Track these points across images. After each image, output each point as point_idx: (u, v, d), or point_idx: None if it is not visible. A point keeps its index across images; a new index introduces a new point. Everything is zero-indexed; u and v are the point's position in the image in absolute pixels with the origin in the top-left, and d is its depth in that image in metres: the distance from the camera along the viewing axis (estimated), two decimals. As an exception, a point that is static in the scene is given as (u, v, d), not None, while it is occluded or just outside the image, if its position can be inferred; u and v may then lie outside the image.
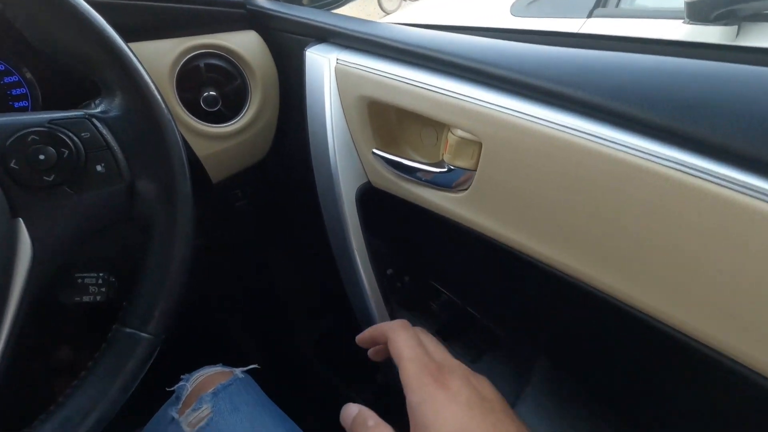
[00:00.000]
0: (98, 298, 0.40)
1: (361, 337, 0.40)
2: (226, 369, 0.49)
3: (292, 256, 0.81)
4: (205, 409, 0.43)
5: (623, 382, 0.46)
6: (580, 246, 0.35)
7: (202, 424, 0.43)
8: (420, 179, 0.46)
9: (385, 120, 0.49)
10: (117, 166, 0.36)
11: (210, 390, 0.45)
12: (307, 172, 0.54)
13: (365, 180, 0.51)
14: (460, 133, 0.41)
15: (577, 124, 0.33)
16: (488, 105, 0.38)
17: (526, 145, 0.36)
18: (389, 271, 0.56)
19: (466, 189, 0.42)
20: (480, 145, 0.40)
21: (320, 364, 0.85)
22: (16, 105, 0.54)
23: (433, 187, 0.45)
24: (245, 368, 0.49)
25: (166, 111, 0.37)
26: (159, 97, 0.37)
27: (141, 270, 0.37)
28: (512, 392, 0.50)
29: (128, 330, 0.36)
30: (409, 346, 0.35)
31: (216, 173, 0.61)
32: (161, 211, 0.37)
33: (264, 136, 0.62)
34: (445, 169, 0.43)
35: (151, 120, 0.37)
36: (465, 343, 0.53)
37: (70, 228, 0.34)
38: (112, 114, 0.36)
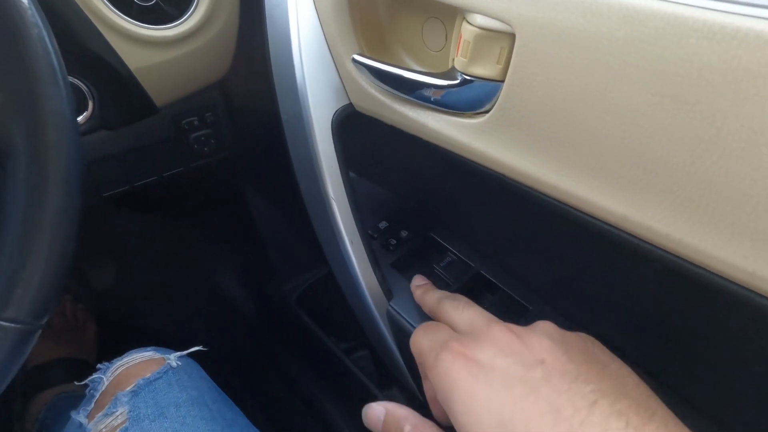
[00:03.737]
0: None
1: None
2: (158, 354, 0.37)
3: (268, 198, 0.69)
4: (120, 415, 0.32)
5: (682, 359, 0.34)
6: (650, 193, 0.22)
7: None
8: (420, 98, 0.32)
9: (372, 12, 0.35)
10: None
11: (129, 387, 0.34)
12: (269, 91, 0.40)
13: (345, 102, 0.37)
14: (480, 20, 0.26)
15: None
16: (529, -32, 0.23)
17: (587, 31, 0.22)
18: (382, 225, 0.44)
19: (487, 111, 0.28)
20: (512, 38, 0.26)
21: (307, 320, 0.75)
22: None
23: (438, 110, 0.31)
24: (183, 352, 0.37)
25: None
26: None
27: (-6, 225, 0.25)
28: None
29: (-24, 315, 0.24)
30: (422, 337, 0.28)
31: (160, 94, 0.47)
32: (17, 135, 0.25)
33: (221, 45, 0.48)
34: (458, 81, 0.29)
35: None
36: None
37: None
38: None
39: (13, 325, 0.25)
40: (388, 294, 0.40)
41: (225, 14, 0.46)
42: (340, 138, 0.37)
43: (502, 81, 0.27)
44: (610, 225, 0.25)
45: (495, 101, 0.28)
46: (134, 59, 0.43)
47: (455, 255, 0.43)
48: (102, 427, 0.32)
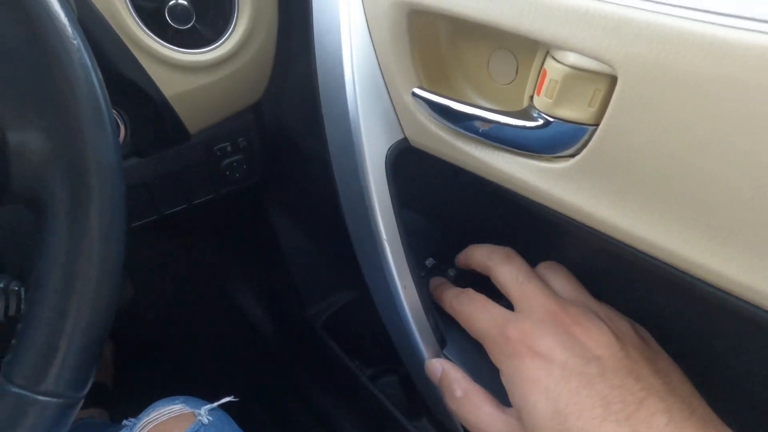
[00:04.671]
0: (-5, 316, 0.26)
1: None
2: (188, 408, 0.35)
3: (295, 222, 0.66)
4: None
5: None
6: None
7: None
8: (488, 137, 0.29)
9: (433, 42, 0.32)
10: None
11: None
12: (315, 122, 0.37)
13: (400, 136, 0.34)
14: (572, 59, 0.24)
15: None
16: (638, 2, 0.21)
17: (711, 74, 0.19)
18: (429, 262, 0.41)
19: (572, 156, 0.26)
20: (609, 79, 0.23)
21: (333, 345, 0.72)
22: None
23: (510, 151, 0.28)
24: (214, 404, 0.35)
25: (58, 9, 0.21)
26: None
27: (34, 287, 0.22)
28: None
29: (14, 389, 0.22)
30: (477, 313, 0.30)
31: (193, 120, 0.44)
32: (60, 187, 0.22)
33: (258, 69, 0.45)
34: (539, 123, 0.26)
35: (26, 25, 0.20)
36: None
37: None
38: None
39: (52, 399, 0.22)
40: (442, 342, 0.37)
41: (263, 35, 0.44)
42: (394, 174, 0.34)
43: (594, 125, 0.24)
44: (723, 291, 0.22)
45: (583, 145, 0.25)
46: (169, 85, 0.41)
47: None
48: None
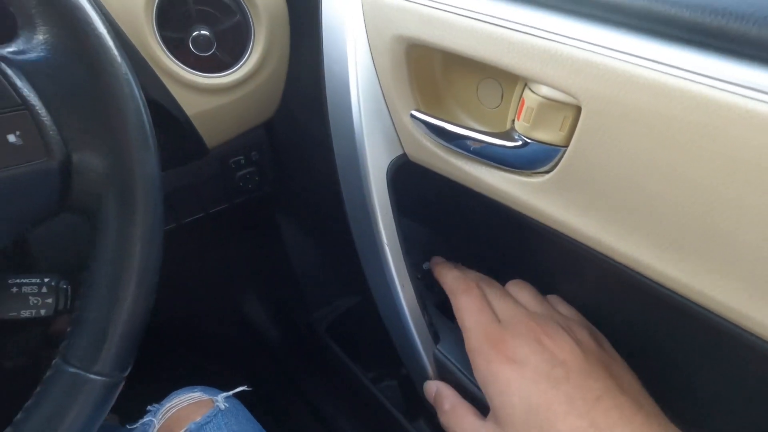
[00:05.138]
0: (42, 312, 0.30)
1: None
2: (206, 396, 0.39)
3: (302, 230, 0.70)
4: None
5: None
6: (704, 256, 0.23)
7: None
8: (477, 154, 0.33)
9: (428, 70, 0.36)
10: (41, 134, 0.24)
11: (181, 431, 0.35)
12: (323, 138, 0.41)
13: (400, 152, 0.39)
14: (545, 91, 0.28)
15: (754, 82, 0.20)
16: (598, 49, 0.25)
17: (656, 111, 0.23)
18: (425, 265, 0.45)
19: (548, 172, 0.30)
20: (576, 109, 0.27)
21: (336, 348, 0.76)
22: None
23: (495, 167, 0.33)
24: (229, 393, 0.39)
25: (113, 50, 0.25)
26: (102, 28, 0.25)
27: (87, 284, 0.26)
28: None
29: (71, 369, 0.26)
30: (470, 312, 0.34)
31: (212, 136, 0.49)
32: (112, 200, 0.26)
33: (271, 90, 0.50)
34: (519, 143, 0.30)
35: (90, 64, 0.25)
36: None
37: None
38: (30, 56, 0.24)
39: (101, 378, 0.26)
40: (435, 337, 0.40)
41: (275, 61, 0.48)
42: (394, 186, 0.38)
43: (564, 146, 0.28)
44: (668, 289, 0.26)
45: (556, 163, 0.29)
46: (191, 105, 0.45)
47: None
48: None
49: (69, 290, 0.31)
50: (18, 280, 0.29)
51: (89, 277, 0.27)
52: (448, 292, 0.37)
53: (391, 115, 0.38)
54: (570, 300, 0.36)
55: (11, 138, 0.23)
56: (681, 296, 0.25)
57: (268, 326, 0.89)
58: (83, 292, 0.27)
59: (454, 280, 0.37)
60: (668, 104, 0.23)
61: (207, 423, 0.36)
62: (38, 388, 0.26)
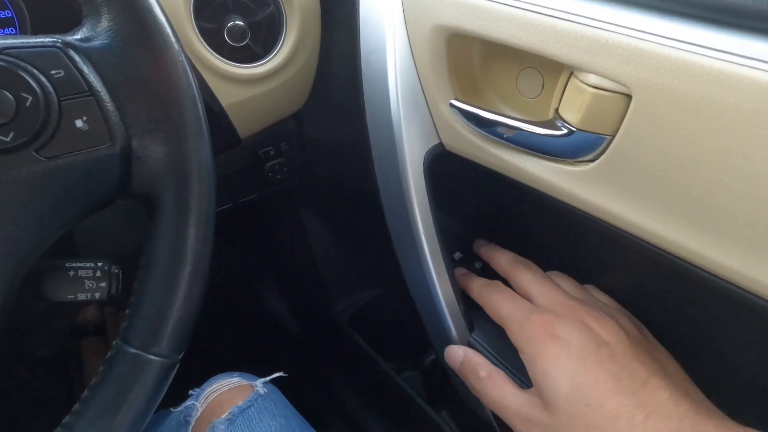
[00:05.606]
0: (97, 295, 0.30)
1: None
2: (245, 381, 0.39)
3: (331, 224, 0.71)
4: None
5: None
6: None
7: None
8: (517, 143, 0.33)
9: (467, 60, 0.37)
10: (105, 119, 0.25)
11: (224, 415, 0.36)
12: (358, 128, 0.42)
13: (436, 141, 0.39)
14: (593, 80, 0.28)
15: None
16: (649, 37, 0.25)
17: (711, 98, 0.23)
18: (457, 255, 0.45)
19: (592, 161, 0.30)
20: (625, 99, 0.27)
21: (358, 338, 0.77)
22: (0, 32, 0.43)
23: (536, 156, 0.33)
24: (268, 378, 0.39)
25: (172, 38, 0.26)
26: (162, 17, 0.26)
27: (145, 267, 0.27)
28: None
29: (132, 350, 0.26)
30: (501, 303, 0.34)
31: (245, 127, 0.49)
32: (170, 186, 0.27)
33: (302, 81, 0.50)
34: (564, 132, 0.30)
35: (151, 52, 0.25)
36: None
37: (41, 209, 0.24)
38: (96, 43, 0.25)
39: (159, 359, 0.27)
40: (470, 326, 0.41)
41: (307, 53, 0.49)
42: (430, 176, 0.39)
43: (611, 135, 0.29)
44: (717, 276, 0.26)
45: (601, 152, 0.29)
46: (226, 96, 0.46)
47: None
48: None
49: (120, 275, 0.32)
50: (74, 264, 0.30)
51: (147, 261, 0.27)
52: (475, 298, 0.38)
53: (428, 105, 0.38)
54: (609, 290, 0.37)
55: (78, 123, 0.24)
56: (731, 283, 0.26)
57: (289, 318, 0.90)
58: (140, 276, 0.28)
59: (479, 286, 0.37)
60: (723, 91, 0.23)
61: (249, 407, 0.37)
62: (101, 367, 0.26)
